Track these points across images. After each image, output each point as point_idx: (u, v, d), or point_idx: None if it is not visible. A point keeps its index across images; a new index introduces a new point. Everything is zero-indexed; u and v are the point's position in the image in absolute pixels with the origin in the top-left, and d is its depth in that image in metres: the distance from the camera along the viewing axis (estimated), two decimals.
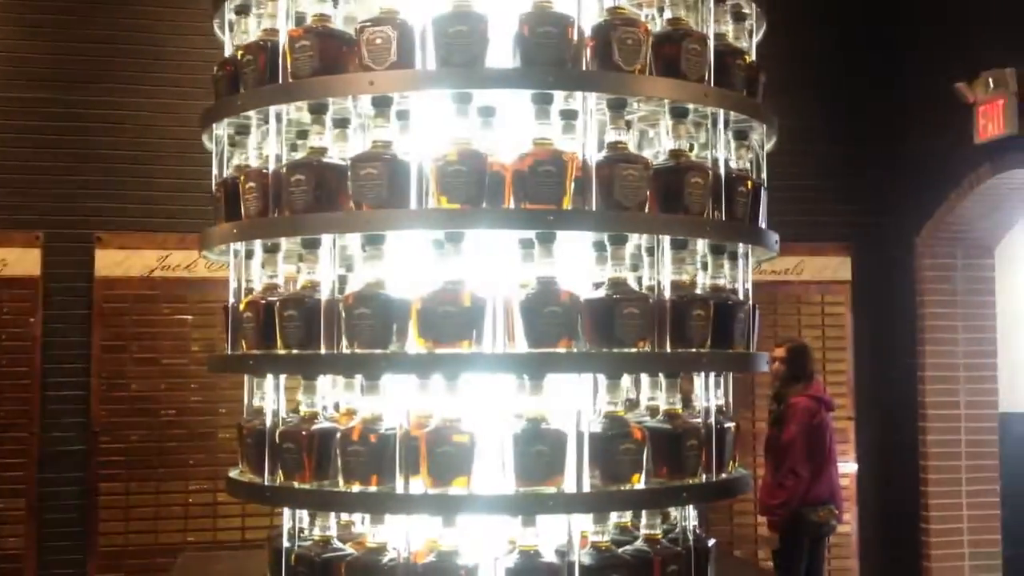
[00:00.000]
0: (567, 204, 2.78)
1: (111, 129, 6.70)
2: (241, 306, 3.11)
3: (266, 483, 2.98)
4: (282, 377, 3.07)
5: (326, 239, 2.94)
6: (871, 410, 7.49)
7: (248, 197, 3.04)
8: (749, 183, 3.14)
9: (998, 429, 7.20)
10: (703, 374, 3.04)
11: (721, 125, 3.08)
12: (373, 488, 2.77)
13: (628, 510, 3.04)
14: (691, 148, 3.17)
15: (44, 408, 6.53)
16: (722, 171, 3.05)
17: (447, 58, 2.81)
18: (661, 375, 3.01)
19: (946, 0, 7.00)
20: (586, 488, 2.76)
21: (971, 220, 6.99)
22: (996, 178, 6.48)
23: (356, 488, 2.78)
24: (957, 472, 7.11)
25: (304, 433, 2.91)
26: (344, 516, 3.20)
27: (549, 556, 2.79)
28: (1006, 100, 6.18)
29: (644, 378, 3.13)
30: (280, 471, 2.94)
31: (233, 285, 3.23)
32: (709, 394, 3.05)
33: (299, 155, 3.12)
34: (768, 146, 3.38)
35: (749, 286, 3.22)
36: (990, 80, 6.24)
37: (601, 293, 2.85)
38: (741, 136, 3.21)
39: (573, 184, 2.79)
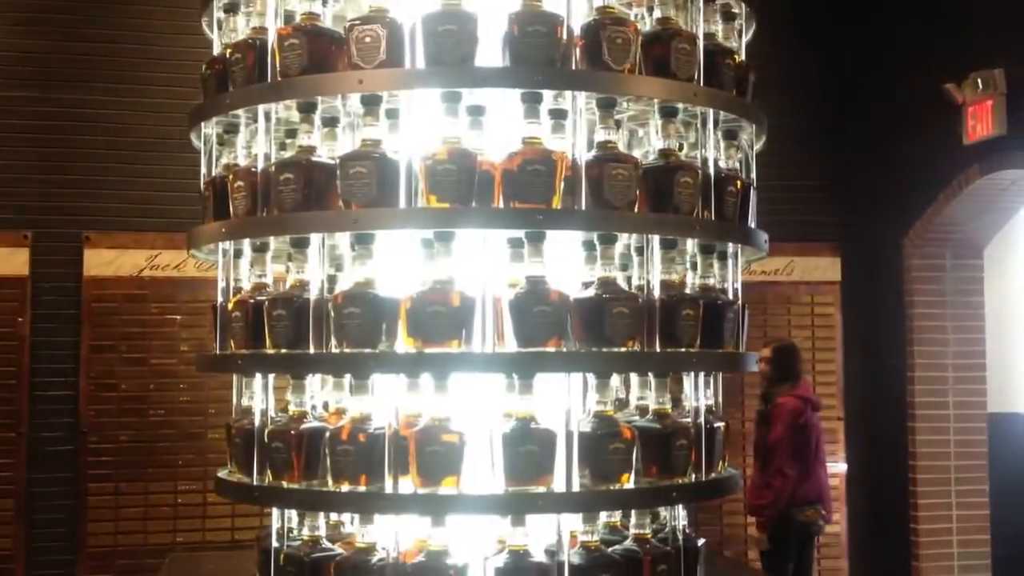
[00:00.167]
0: (556, 203, 2.78)
1: (100, 128, 6.69)
2: (230, 305, 3.10)
3: (255, 483, 2.97)
4: (271, 377, 3.06)
5: (315, 238, 2.93)
6: (860, 410, 7.51)
7: (236, 196, 3.03)
8: (739, 183, 3.14)
9: (987, 429, 7.21)
10: (692, 374, 3.04)
11: (711, 125, 3.08)
12: (362, 488, 2.76)
13: (617, 510, 3.04)
14: (680, 148, 3.17)
15: (33, 408, 6.51)
16: (712, 171, 3.05)
17: (436, 57, 2.80)
18: (650, 374, 3.01)
19: (935, 0, 7.01)
20: (575, 488, 2.75)
21: (960, 220, 7.01)
22: (985, 179, 6.49)
23: (345, 488, 2.77)
24: (946, 472, 7.12)
25: (293, 432, 2.90)
26: (333, 516, 3.19)
27: (538, 556, 2.78)
28: (995, 100, 6.20)
29: (634, 377, 3.12)
30: (269, 471, 2.93)
31: (222, 284, 3.21)
32: (699, 394, 3.05)
33: (288, 154, 3.11)
34: (758, 146, 3.38)
35: (739, 286, 3.22)
36: (979, 81, 6.26)
37: (590, 292, 2.84)
38: (731, 136, 3.21)
39: (562, 183, 2.79)
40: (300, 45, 2.91)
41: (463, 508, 2.74)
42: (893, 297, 7.34)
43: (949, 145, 6.60)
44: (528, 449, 2.70)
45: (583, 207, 2.82)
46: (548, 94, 2.89)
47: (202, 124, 3.25)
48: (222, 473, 3.21)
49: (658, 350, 2.89)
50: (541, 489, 2.71)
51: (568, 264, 3.02)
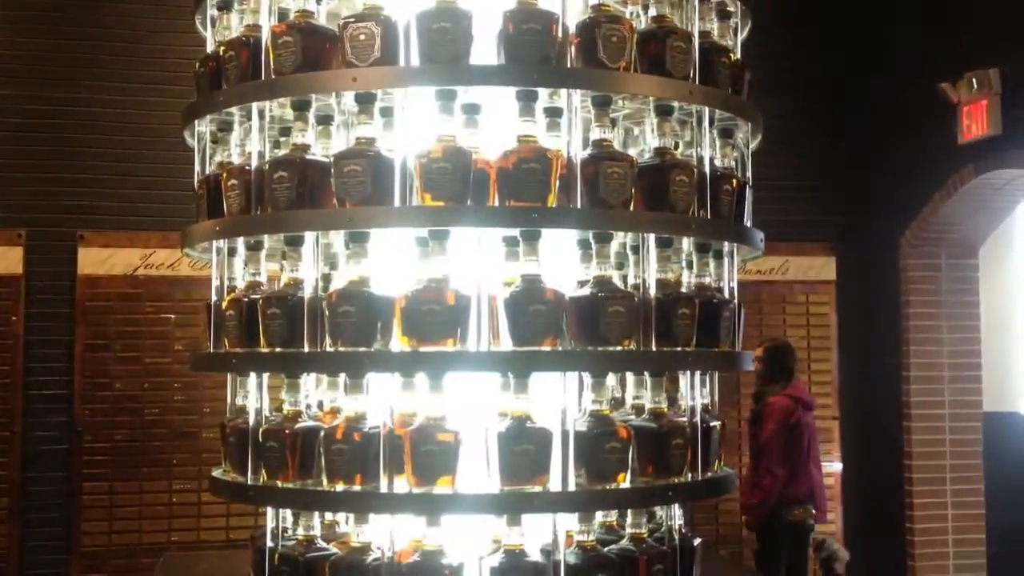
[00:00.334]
0: (552, 202, 2.77)
1: (94, 126, 6.67)
2: (224, 304, 3.08)
3: (249, 482, 2.96)
4: (265, 376, 3.05)
5: (309, 237, 2.92)
6: (855, 410, 7.50)
7: (230, 194, 3.02)
8: (734, 181, 3.13)
9: (982, 429, 7.21)
10: (688, 373, 3.03)
11: (706, 123, 3.07)
12: (357, 487, 2.75)
13: (613, 509, 3.03)
14: (676, 146, 3.16)
15: (27, 407, 6.49)
16: (707, 169, 3.04)
17: (431, 55, 2.79)
18: (646, 374, 3.00)
19: (931, 0, 7.01)
20: (571, 487, 2.74)
21: (955, 220, 7.01)
22: (980, 178, 6.49)
23: (340, 487, 2.76)
24: (942, 472, 7.12)
25: (287, 432, 2.89)
26: (328, 516, 3.18)
27: (534, 555, 2.77)
28: (990, 100, 6.20)
29: (629, 377, 3.12)
30: (263, 470, 2.92)
31: (216, 283, 3.21)
32: (695, 393, 3.04)
33: (282, 152, 3.10)
34: (753, 144, 3.38)
35: (734, 285, 3.21)
36: (974, 80, 6.25)
37: (586, 291, 2.84)
38: (726, 134, 3.20)
39: (558, 182, 2.78)
40: (294, 43, 2.90)
41: (458, 508, 2.73)
42: (888, 297, 7.34)
43: (944, 145, 6.60)
44: (524, 448, 2.69)
45: (578, 205, 2.81)
46: (543, 92, 2.88)
47: (196, 122, 3.23)
48: (216, 472, 3.20)
49: (654, 349, 2.88)
50: (537, 488, 2.70)
51: (564, 263, 3.02)
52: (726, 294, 3.17)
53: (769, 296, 7.48)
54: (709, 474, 3.05)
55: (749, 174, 3.37)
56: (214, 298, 3.19)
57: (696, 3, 3.10)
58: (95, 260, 6.63)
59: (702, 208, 3.01)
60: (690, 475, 2.97)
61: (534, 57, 2.81)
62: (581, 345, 2.78)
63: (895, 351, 7.24)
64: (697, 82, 3.01)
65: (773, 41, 5.94)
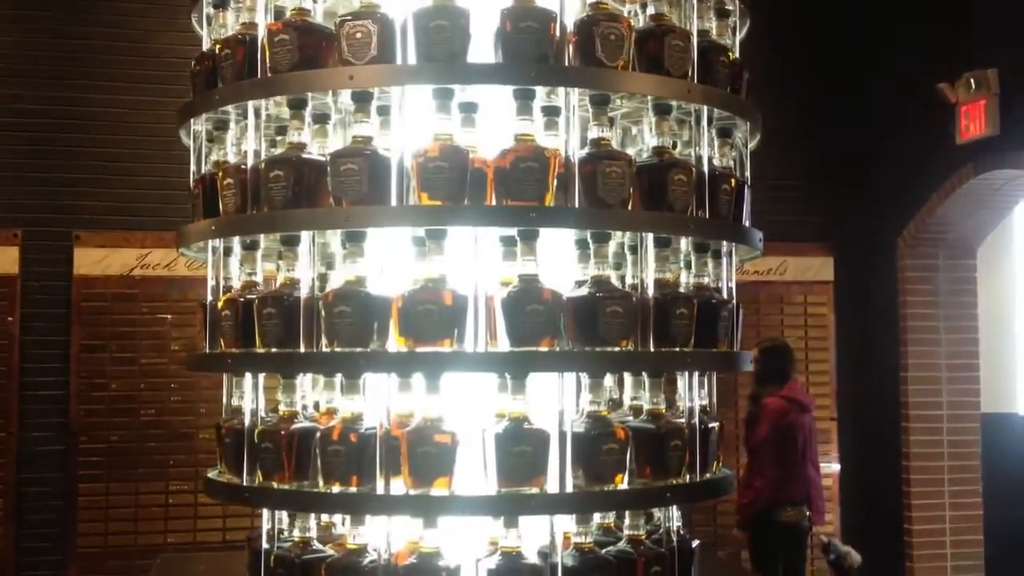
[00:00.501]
0: (549, 201, 2.75)
1: (90, 126, 6.65)
2: (219, 304, 3.06)
3: (245, 484, 2.94)
4: (261, 376, 3.03)
5: (305, 236, 2.90)
6: (853, 410, 7.49)
7: (226, 194, 3.00)
8: (733, 181, 3.12)
9: (980, 430, 7.21)
10: (687, 373, 3.01)
11: (705, 122, 3.05)
12: (353, 489, 2.73)
13: (611, 511, 3.02)
14: (674, 146, 3.15)
15: (22, 408, 6.47)
16: (706, 169, 3.02)
17: (428, 53, 2.77)
18: (644, 374, 2.99)
19: (929, 0, 7.00)
20: (569, 488, 2.73)
21: (953, 221, 7.00)
22: (978, 178, 6.48)
23: (336, 489, 2.74)
24: (940, 472, 7.11)
25: (283, 433, 2.87)
26: (324, 517, 3.17)
27: (532, 557, 2.75)
28: (988, 100, 6.19)
29: (627, 377, 3.10)
30: (259, 471, 2.90)
31: (211, 283, 3.18)
32: (693, 394, 3.02)
33: (278, 151, 3.08)
34: (752, 144, 3.36)
35: (733, 285, 3.20)
36: (972, 80, 6.25)
37: (584, 291, 2.82)
38: (725, 134, 3.18)
39: (555, 181, 2.76)
40: (290, 41, 2.88)
41: (455, 509, 2.71)
42: (886, 297, 7.33)
43: (942, 145, 6.60)
44: (521, 450, 2.67)
45: (576, 205, 2.79)
46: (541, 91, 2.86)
47: (191, 121, 3.21)
48: (212, 473, 3.18)
49: (652, 349, 2.86)
50: (534, 490, 2.68)
51: (561, 263, 3.00)
52: (724, 294, 3.16)
53: (767, 296, 7.47)
54: (707, 475, 3.04)
55: (748, 173, 3.36)
56: (210, 298, 3.17)
57: (694, 2, 3.09)
58: (91, 260, 6.62)
59: (700, 208, 2.99)
60: (688, 476, 2.95)
61: (532, 55, 2.79)
62: (579, 345, 2.77)
63: (893, 352, 7.24)
64: (695, 81, 2.99)
65: (772, 41, 5.94)
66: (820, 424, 6.84)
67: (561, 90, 2.85)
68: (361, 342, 2.74)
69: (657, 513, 3.10)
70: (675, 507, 3.07)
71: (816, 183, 7.49)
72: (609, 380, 3.17)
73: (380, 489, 2.71)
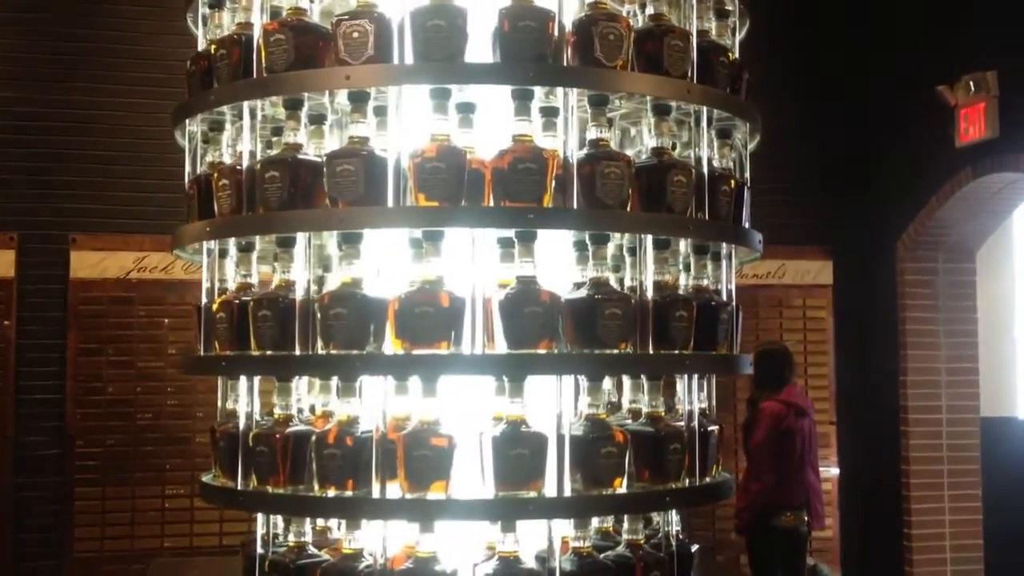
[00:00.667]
0: (548, 202, 2.73)
1: (87, 129, 6.64)
2: (214, 306, 3.04)
3: (239, 488, 2.92)
4: (256, 379, 3.00)
5: (301, 238, 2.88)
6: (853, 414, 7.47)
7: (221, 195, 2.98)
8: (732, 182, 3.09)
9: (980, 434, 7.18)
10: (686, 376, 2.99)
11: (704, 123, 3.03)
12: (349, 493, 2.71)
13: (610, 515, 3.00)
14: (674, 147, 3.12)
15: (18, 412, 6.45)
16: (705, 170, 3.00)
17: (425, 53, 2.75)
18: (643, 377, 2.96)
19: (928, 1, 6.99)
20: (567, 492, 2.70)
21: (952, 224, 6.98)
22: (977, 181, 6.47)
23: (331, 493, 2.72)
24: (939, 477, 7.09)
25: (278, 436, 2.84)
26: (320, 522, 3.14)
27: (529, 562, 2.73)
28: (987, 103, 6.18)
29: (626, 380, 3.08)
30: (254, 475, 2.88)
31: (206, 285, 3.16)
32: (692, 397, 3.00)
33: (274, 152, 3.05)
34: (752, 145, 3.34)
35: (732, 287, 3.17)
36: (971, 83, 6.24)
37: (582, 293, 2.80)
38: (724, 135, 3.16)
39: (554, 182, 2.74)
40: (286, 40, 2.86)
41: (452, 513, 2.69)
42: (885, 301, 7.31)
43: (941, 147, 6.58)
44: (518, 453, 2.65)
45: (575, 206, 2.77)
46: (539, 91, 2.84)
47: (187, 121, 3.19)
48: (207, 478, 3.16)
49: (651, 352, 2.84)
50: (532, 494, 2.66)
51: (560, 265, 2.98)
52: (724, 296, 3.13)
53: (765, 300, 7.45)
54: (707, 479, 3.01)
55: (747, 175, 3.33)
56: (204, 300, 3.15)
57: (694, 2, 3.07)
58: (88, 263, 6.60)
59: (700, 209, 2.97)
60: (688, 480, 2.92)
61: (530, 55, 2.77)
62: (577, 348, 2.74)
63: (892, 355, 7.22)
64: (695, 81, 2.97)
65: (772, 42, 5.92)
66: (819, 428, 6.81)
67: (559, 90, 2.83)
68: (357, 344, 2.71)
69: (656, 517, 3.09)
70: (674, 511, 3.04)
71: (814, 186, 7.47)
72: (608, 383, 3.14)
73: (376, 493, 2.69)
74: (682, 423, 2.96)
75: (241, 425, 2.95)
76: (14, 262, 6.50)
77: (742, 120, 3.15)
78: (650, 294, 2.88)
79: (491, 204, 2.75)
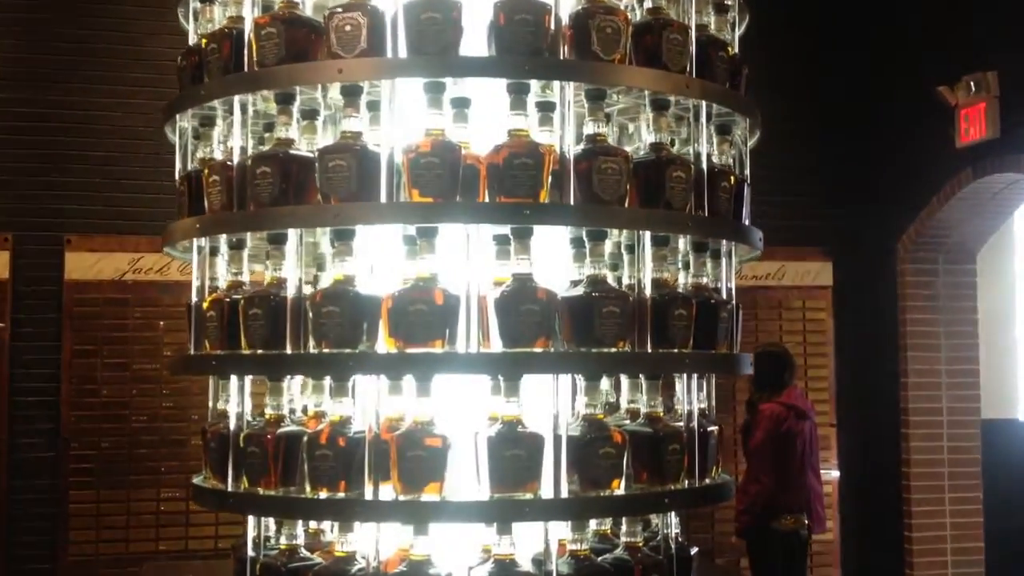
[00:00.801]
0: (544, 198, 2.69)
1: (82, 130, 6.60)
2: (204, 304, 3.00)
3: (230, 489, 2.87)
4: (247, 379, 2.96)
5: (293, 234, 2.83)
6: (853, 416, 7.44)
7: (212, 191, 2.94)
8: (732, 179, 3.05)
9: (980, 435, 7.15)
10: (685, 376, 2.94)
11: (703, 118, 2.99)
12: (341, 494, 2.67)
13: (607, 517, 2.96)
14: (672, 143, 3.08)
15: (12, 414, 6.41)
16: (704, 166, 2.95)
17: (419, 46, 2.71)
18: (642, 376, 2.92)
19: (928, 2, 6.95)
20: (564, 494, 2.66)
21: (953, 225, 6.95)
22: (978, 182, 6.44)
23: (324, 494, 2.67)
24: (940, 479, 7.06)
25: (269, 437, 2.80)
26: (312, 524, 3.10)
27: (526, 565, 2.70)
28: (988, 103, 6.15)
29: (624, 380, 3.04)
30: (244, 477, 2.84)
31: (196, 283, 3.11)
32: (691, 396, 2.95)
33: (265, 148, 3.01)
34: (752, 142, 3.30)
35: (732, 285, 3.13)
36: (972, 83, 6.22)
37: (580, 291, 2.75)
38: (724, 130, 3.12)
39: (550, 177, 2.70)
40: (277, 34, 2.82)
41: (446, 515, 2.65)
42: (886, 302, 7.28)
43: (942, 148, 6.56)
44: (514, 454, 2.61)
45: (572, 202, 2.72)
46: (535, 86, 2.81)
47: (177, 117, 3.15)
48: (197, 479, 3.11)
49: (649, 351, 2.80)
50: (528, 496, 2.61)
51: (556, 262, 2.93)
52: (724, 295, 3.09)
53: (765, 302, 7.41)
54: (707, 481, 2.97)
55: (747, 171, 3.29)
56: (195, 299, 3.10)
57: None
58: (82, 265, 6.56)
59: (699, 206, 2.93)
60: (687, 482, 2.88)
61: (526, 49, 2.73)
62: (574, 346, 2.70)
63: (892, 357, 7.19)
64: (694, 76, 2.92)
65: (772, 41, 5.89)
66: (819, 430, 6.77)
67: (556, 84, 2.79)
68: (350, 343, 2.67)
69: (655, 519, 3.05)
70: (673, 513, 3.00)
71: (814, 186, 7.44)
72: (605, 383, 3.10)
73: (369, 495, 2.64)
74: (681, 423, 2.92)
75: (232, 426, 2.91)
76: (8, 263, 6.45)
77: (741, 115, 3.11)
78: (648, 292, 2.84)
79: (486, 200, 2.71)
